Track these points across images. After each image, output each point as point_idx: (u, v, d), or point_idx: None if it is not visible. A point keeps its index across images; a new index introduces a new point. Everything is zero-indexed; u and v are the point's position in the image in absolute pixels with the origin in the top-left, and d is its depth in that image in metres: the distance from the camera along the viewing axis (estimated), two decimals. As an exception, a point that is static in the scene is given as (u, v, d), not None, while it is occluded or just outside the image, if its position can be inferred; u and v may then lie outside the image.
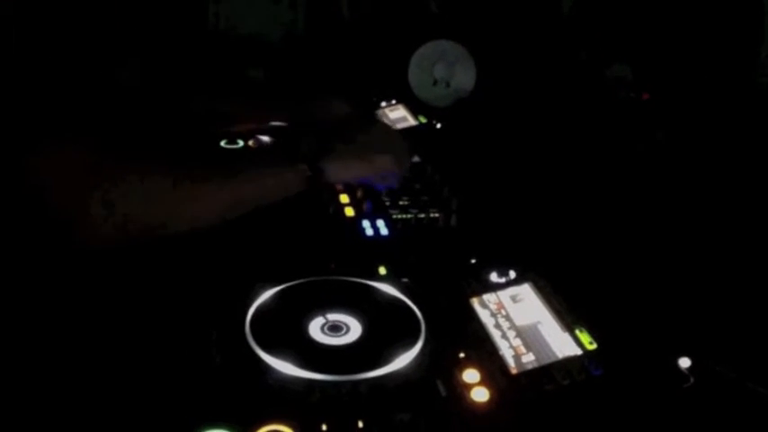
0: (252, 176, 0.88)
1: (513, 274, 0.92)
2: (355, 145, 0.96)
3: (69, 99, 0.80)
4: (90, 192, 0.77)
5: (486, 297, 0.88)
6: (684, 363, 0.78)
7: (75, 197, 0.78)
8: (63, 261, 0.82)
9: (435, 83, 1.67)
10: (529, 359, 0.78)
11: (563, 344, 0.80)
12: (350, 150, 0.95)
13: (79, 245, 0.80)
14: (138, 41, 1.06)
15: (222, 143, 1.27)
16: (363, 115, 1.13)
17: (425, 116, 1.57)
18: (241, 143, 1.28)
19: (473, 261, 0.97)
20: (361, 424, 0.69)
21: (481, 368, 0.76)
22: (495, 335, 0.82)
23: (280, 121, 1.16)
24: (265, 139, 1.30)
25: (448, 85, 1.68)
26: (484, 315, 0.85)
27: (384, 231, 1.04)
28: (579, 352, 0.78)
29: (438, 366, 0.76)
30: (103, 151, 0.79)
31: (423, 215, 1.08)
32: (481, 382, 0.74)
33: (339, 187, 1.15)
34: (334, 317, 0.81)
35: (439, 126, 1.53)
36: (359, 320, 0.81)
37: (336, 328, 0.80)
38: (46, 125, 0.78)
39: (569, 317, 0.83)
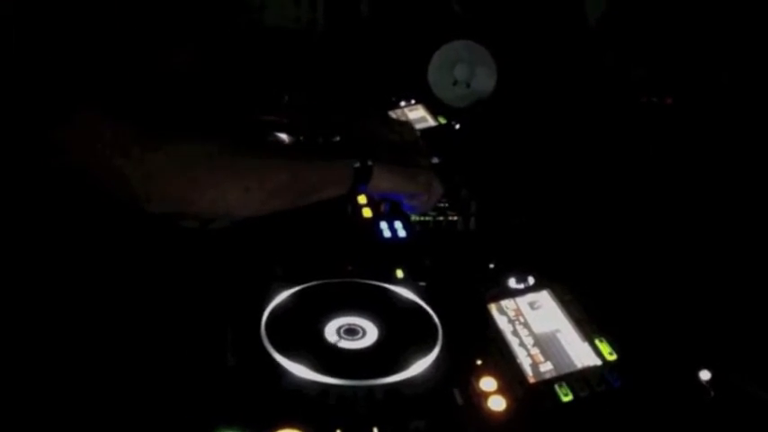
0: (304, 161, 0.88)
1: (531, 281, 0.91)
2: (400, 155, 0.96)
3: (114, 81, 0.79)
4: (127, 166, 0.75)
5: (505, 303, 0.87)
6: (705, 375, 0.77)
7: (112, 173, 0.76)
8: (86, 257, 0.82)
9: (455, 83, 1.66)
10: (547, 368, 0.77)
11: (582, 353, 0.78)
12: (396, 160, 0.94)
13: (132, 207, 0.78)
14: (190, 28, 1.06)
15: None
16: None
17: (445, 117, 1.56)
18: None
19: (491, 266, 0.96)
20: (376, 430, 0.68)
21: (498, 376, 0.75)
22: (513, 342, 0.81)
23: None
24: (283, 136, 1.29)
25: (468, 85, 1.66)
26: (502, 321, 0.84)
27: (402, 233, 1.03)
28: (599, 362, 0.77)
29: (455, 373, 0.75)
30: (138, 123, 0.77)
31: (441, 218, 1.07)
32: (498, 391, 0.73)
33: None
34: (350, 320, 0.81)
35: (458, 127, 1.52)
36: (375, 324, 0.80)
37: (352, 332, 0.79)
38: (79, 100, 0.76)
39: (589, 326, 0.82)
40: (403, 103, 1.64)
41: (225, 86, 1.12)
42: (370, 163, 0.90)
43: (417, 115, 1.58)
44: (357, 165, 0.89)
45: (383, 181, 0.92)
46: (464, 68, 1.66)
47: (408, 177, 0.95)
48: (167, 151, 0.77)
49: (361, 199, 1.11)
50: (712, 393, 0.76)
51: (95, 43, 0.78)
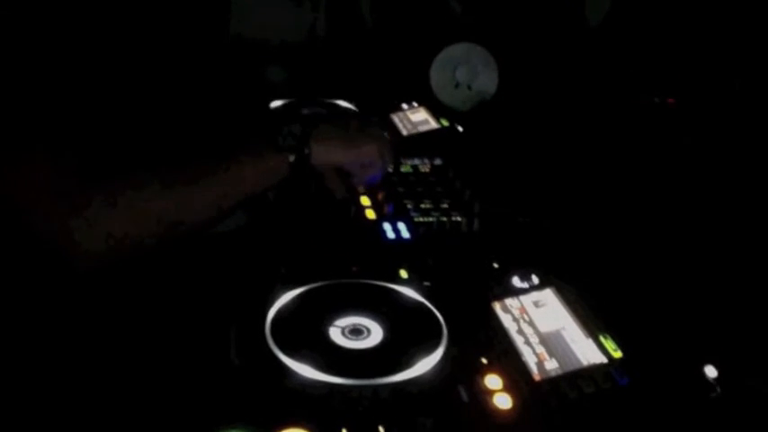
0: (234, 170, 0.89)
1: (535, 279, 0.91)
2: (340, 129, 0.99)
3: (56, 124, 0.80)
4: (67, 216, 0.77)
5: (509, 302, 0.87)
6: (711, 372, 0.77)
7: (51, 221, 0.78)
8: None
9: (457, 86, 1.66)
10: (552, 366, 0.77)
11: (587, 351, 0.78)
12: (335, 134, 0.97)
13: (67, 267, 0.80)
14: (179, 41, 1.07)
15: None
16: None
17: (447, 119, 1.56)
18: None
19: (495, 265, 0.96)
20: (382, 429, 0.68)
21: (504, 374, 0.75)
22: (518, 340, 0.81)
23: None
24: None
25: (470, 88, 1.67)
26: (506, 320, 0.84)
27: (405, 234, 1.03)
28: (604, 360, 0.77)
29: (460, 372, 0.75)
30: (73, 173, 0.79)
31: (445, 219, 1.07)
32: (504, 389, 0.73)
33: (360, 189, 1.14)
34: (354, 320, 0.81)
35: (461, 129, 1.52)
36: (380, 324, 0.80)
37: (357, 332, 0.79)
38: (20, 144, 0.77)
39: (594, 323, 0.82)
40: (405, 106, 1.65)
41: (211, 99, 1.13)
42: (307, 151, 0.92)
43: (420, 118, 1.59)
44: (292, 160, 0.92)
45: (324, 158, 0.95)
46: (466, 71, 1.66)
47: (351, 150, 0.98)
48: (99, 201, 0.79)
49: (365, 200, 1.12)
50: (718, 390, 0.75)
51: (36, 85, 0.79)
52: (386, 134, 1.14)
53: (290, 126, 0.94)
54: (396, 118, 1.59)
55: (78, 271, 0.80)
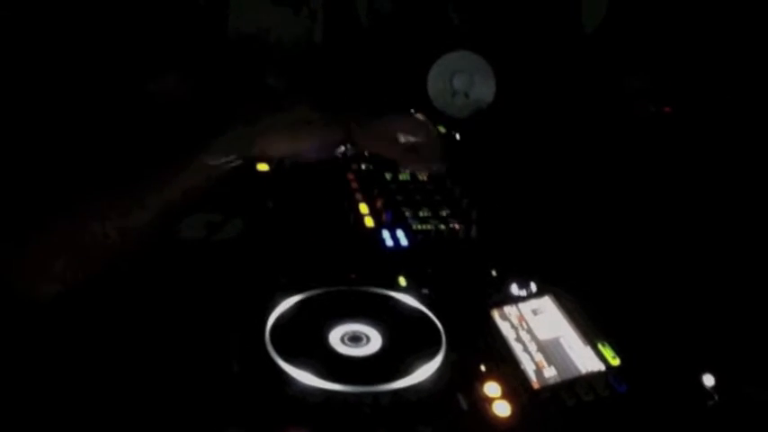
0: (174, 188, 0.87)
1: (533, 287, 0.91)
2: (278, 121, 0.95)
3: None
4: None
5: (507, 309, 0.88)
6: (709, 380, 0.77)
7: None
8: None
9: (455, 94, 1.67)
10: (551, 374, 0.77)
11: (586, 359, 0.79)
12: (275, 127, 0.94)
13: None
14: (169, 54, 1.07)
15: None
16: None
17: (445, 127, 1.56)
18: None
19: (494, 273, 0.96)
20: (381, 436, 0.68)
21: (503, 382, 0.75)
22: (517, 348, 0.81)
23: None
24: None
25: (467, 95, 1.67)
26: (504, 328, 0.85)
27: (404, 242, 1.04)
28: (603, 367, 0.77)
29: (459, 379, 0.75)
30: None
31: (443, 226, 1.07)
32: (503, 396, 0.74)
33: (358, 197, 1.15)
34: (354, 327, 0.81)
35: (458, 137, 1.53)
36: (379, 331, 0.81)
37: (357, 339, 0.79)
38: None
39: (592, 331, 0.82)
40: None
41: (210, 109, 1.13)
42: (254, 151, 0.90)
43: (417, 125, 1.59)
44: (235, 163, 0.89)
45: (271, 148, 0.93)
46: (463, 79, 1.66)
47: (297, 141, 0.94)
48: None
49: (363, 209, 1.12)
50: (716, 398, 0.76)
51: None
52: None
53: (234, 127, 0.91)
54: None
55: (37, 305, 0.82)
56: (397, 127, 1.05)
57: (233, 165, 0.89)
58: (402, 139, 1.06)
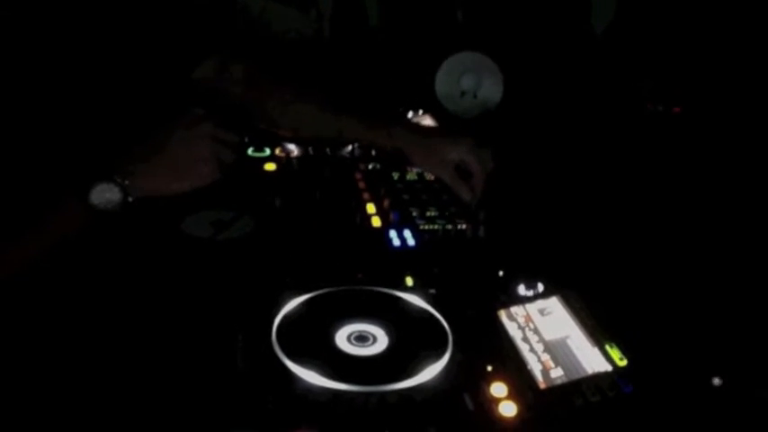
0: (36, 236, 0.84)
1: (541, 287, 0.91)
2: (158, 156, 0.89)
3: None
4: None
5: (514, 310, 0.87)
6: (717, 381, 0.77)
7: None
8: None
9: (463, 94, 1.67)
10: (557, 374, 0.77)
11: (593, 359, 0.78)
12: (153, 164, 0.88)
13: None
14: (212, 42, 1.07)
15: (249, 151, 1.28)
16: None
17: (453, 127, 1.56)
18: (268, 151, 1.28)
19: (501, 273, 0.96)
20: (386, 436, 0.68)
21: (509, 382, 0.75)
22: (523, 348, 0.81)
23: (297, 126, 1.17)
24: (291, 146, 1.30)
25: (475, 96, 1.67)
26: (511, 328, 0.84)
27: (411, 242, 1.04)
28: (609, 368, 0.77)
29: (466, 379, 0.75)
30: None
31: (450, 226, 1.07)
32: (509, 397, 0.73)
33: (366, 196, 1.15)
34: (360, 327, 0.81)
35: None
36: (385, 331, 0.81)
37: (363, 339, 0.79)
38: None
39: (599, 332, 0.82)
40: (411, 114, 1.65)
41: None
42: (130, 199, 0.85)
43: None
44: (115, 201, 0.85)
45: (146, 189, 0.87)
46: (471, 79, 1.66)
47: (174, 178, 0.88)
48: None
49: (370, 209, 1.12)
50: (725, 399, 0.75)
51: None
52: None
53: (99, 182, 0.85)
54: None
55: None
56: (456, 149, 1.07)
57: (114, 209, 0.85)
58: (457, 160, 1.07)
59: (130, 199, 0.85)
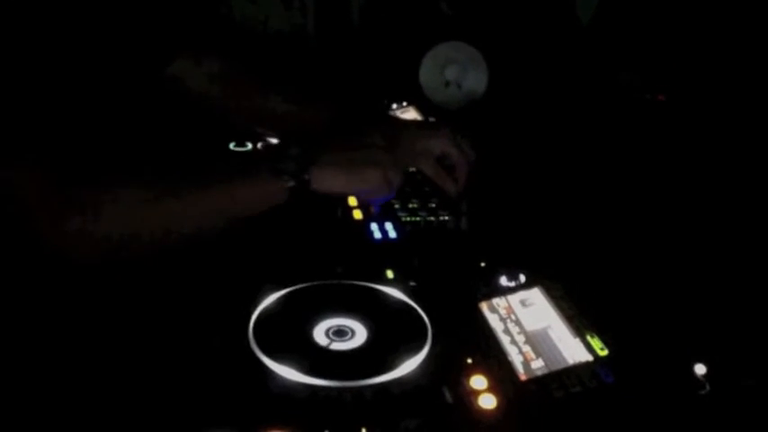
0: (225, 189, 0.86)
1: (522, 278, 0.90)
2: (343, 156, 0.92)
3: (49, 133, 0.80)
4: (66, 216, 0.78)
5: (496, 301, 0.87)
6: (700, 369, 0.76)
7: (45, 225, 0.78)
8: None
9: (447, 85, 1.66)
10: (538, 365, 0.76)
11: (574, 350, 0.78)
12: (338, 159, 0.91)
13: (61, 261, 0.80)
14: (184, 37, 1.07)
15: (231, 145, 1.26)
16: (358, 117, 1.12)
17: (437, 118, 1.55)
18: (249, 145, 1.27)
19: (482, 264, 0.95)
20: (365, 431, 0.67)
21: (489, 374, 0.74)
22: (504, 340, 0.80)
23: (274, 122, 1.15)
24: (274, 141, 1.29)
25: (459, 87, 1.66)
26: (493, 320, 0.84)
27: (392, 234, 1.03)
28: (590, 358, 0.76)
29: (445, 372, 0.74)
30: (65, 179, 0.78)
31: (432, 218, 1.06)
32: (489, 389, 0.73)
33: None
34: (339, 321, 0.80)
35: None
36: (364, 325, 0.80)
37: (341, 333, 0.78)
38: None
39: (580, 322, 0.81)
40: (395, 106, 1.64)
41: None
42: (307, 177, 0.87)
43: (410, 117, 1.58)
44: (291, 185, 0.87)
45: (327, 187, 0.89)
46: (455, 70, 1.65)
47: (353, 178, 0.91)
48: (104, 201, 0.80)
49: (352, 201, 1.11)
50: (708, 387, 0.75)
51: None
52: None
53: (290, 149, 0.89)
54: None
55: (74, 268, 0.81)
56: (436, 141, 1.04)
57: (288, 185, 0.87)
58: (438, 152, 1.04)
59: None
